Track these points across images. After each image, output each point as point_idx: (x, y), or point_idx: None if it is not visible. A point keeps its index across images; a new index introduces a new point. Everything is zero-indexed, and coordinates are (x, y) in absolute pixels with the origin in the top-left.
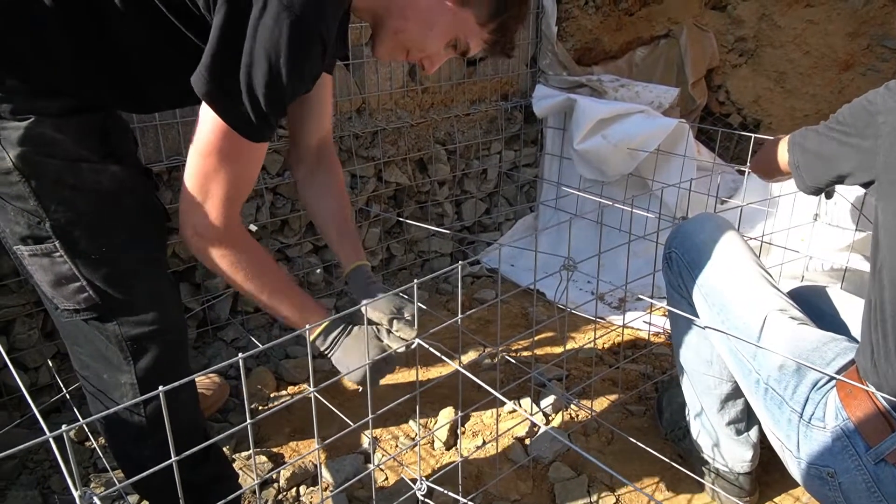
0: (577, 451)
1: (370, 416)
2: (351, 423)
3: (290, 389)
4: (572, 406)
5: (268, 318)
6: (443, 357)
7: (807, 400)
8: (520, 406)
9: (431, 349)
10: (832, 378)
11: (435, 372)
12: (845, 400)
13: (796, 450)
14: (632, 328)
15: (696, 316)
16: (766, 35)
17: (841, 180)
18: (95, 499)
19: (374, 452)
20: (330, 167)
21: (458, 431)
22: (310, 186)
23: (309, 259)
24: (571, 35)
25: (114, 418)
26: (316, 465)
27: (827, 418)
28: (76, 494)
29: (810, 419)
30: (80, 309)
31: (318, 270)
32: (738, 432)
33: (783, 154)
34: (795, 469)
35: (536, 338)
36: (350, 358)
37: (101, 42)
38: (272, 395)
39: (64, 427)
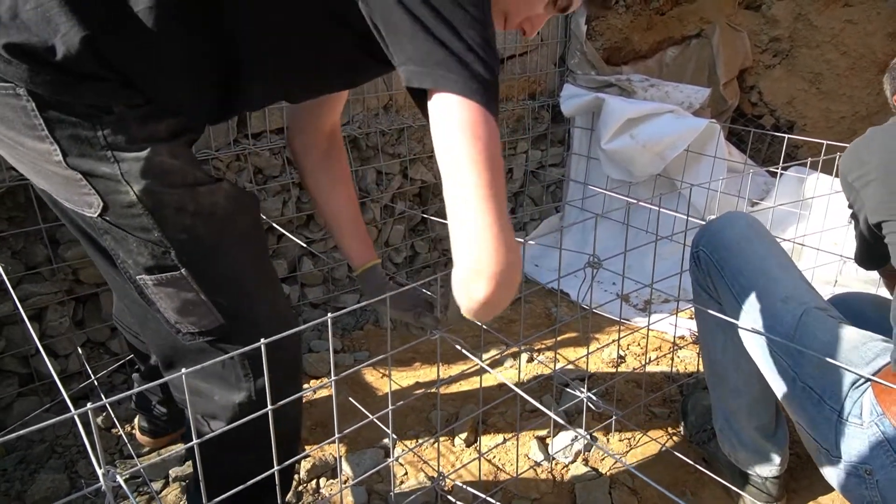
0: (598, 453)
1: (390, 407)
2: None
3: (313, 383)
4: (594, 406)
5: None
6: (465, 352)
7: (846, 398)
8: (541, 405)
9: (455, 344)
10: (869, 380)
11: (457, 369)
12: (880, 396)
13: (834, 448)
14: (657, 330)
15: (725, 316)
16: (802, 35)
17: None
18: (119, 477)
19: (393, 447)
20: (340, 155)
21: (479, 429)
22: (321, 174)
23: (334, 254)
24: (601, 34)
25: (220, 435)
26: (336, 458)
27: (864, 415)
28: (100, 472)
29: (848, 417)
30: (205, 331)
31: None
32: (767, 437)
33: None
34: (831, 470)
35: (560, 338)
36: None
37: (213, 39)
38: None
39: (89, 405)
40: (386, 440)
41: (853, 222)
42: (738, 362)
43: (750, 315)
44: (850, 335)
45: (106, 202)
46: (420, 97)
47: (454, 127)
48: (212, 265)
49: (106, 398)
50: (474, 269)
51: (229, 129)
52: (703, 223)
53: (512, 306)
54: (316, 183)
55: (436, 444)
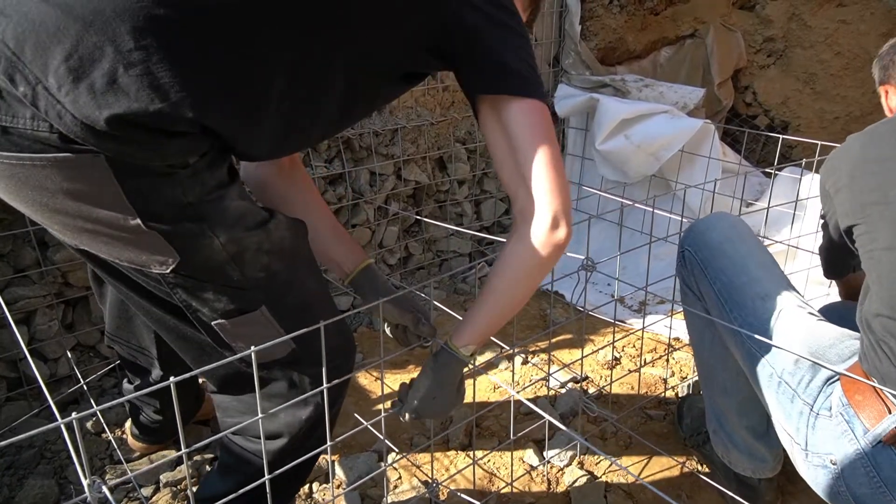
0: (593, 456)
1: (383, 414)
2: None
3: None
4: (589, 410)
5: None
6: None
7: (819, 393)
8: (536, 408)
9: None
10: (840, 374)
11: None
12: (846, 388)
13: (804, 443)
14: (652, 332)
15: (710, 315)
16: (796, 35)
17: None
18: (104, 488)
19: (385, 453)
20: (299, 166)
21: (473, 432)
22: (289, 193)
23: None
24: (595, 34)
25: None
26: (329, 462)
27: (832, 407)
28: (85, 483)
29: (819, 410)
30: (278, 360)
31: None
32: (758, 437)
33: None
34: (804, 465)
35: (554, 340)
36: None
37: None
38: None
39: (74, 415)
40: (388, 443)
41: (822, 232)
42: (725, 360)
43: (731, 313)
44: (827, 332)
45: (184, 257)
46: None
47: (538, 121)
48: (288, 298)
49: (96, 402)
50: (561, 211)
51: None
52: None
53: None
54: (288, 205)
55: (430, 449)
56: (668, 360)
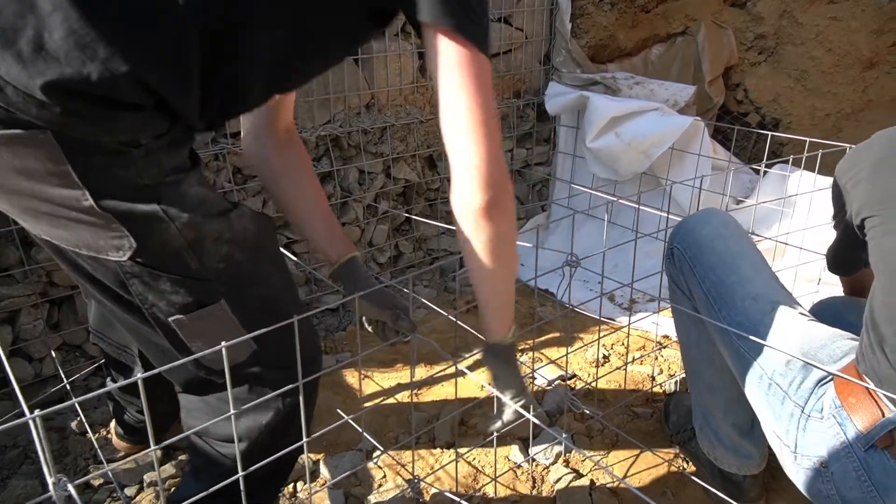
0: (579, 454)
1: (361, 411)
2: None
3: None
4: (574, 407)
5: None
6: (440, 353)
7: (811, 394)
8: (521, 409)
9: (428, 345)
10: (833, 375)
11: (438, 370)
12: (840, 389)
13: (794, 445)
14: (641, 329)
15: (699, 313)
16: (787, 32)
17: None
18: (70, 486)
19: (367, 451)
20: (300, 151)
21: (457, 430)
22: (285, 174)
23: (316, 255)
24: (586, 32)
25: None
26: (314, 461)
27: (824, 409)
28: (50, 482)
29: (810, 412)
30: (241, 364)
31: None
32: (744, 434)
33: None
34: (792, 466)
35: (543, 338)
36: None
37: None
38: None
39: (36, 413)
40: (373, 441)
41: (835, 231)
42: (712, 358)
43: (720, 312)
44: (819, 333)
45: (140, 243)
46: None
47: (465, 64)
48: (250, 292)
49: (79, 404)
50: (476, 174)
51: None
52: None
53: None
54: (281, 186)
55: (412, 446)
56: (656, 358)
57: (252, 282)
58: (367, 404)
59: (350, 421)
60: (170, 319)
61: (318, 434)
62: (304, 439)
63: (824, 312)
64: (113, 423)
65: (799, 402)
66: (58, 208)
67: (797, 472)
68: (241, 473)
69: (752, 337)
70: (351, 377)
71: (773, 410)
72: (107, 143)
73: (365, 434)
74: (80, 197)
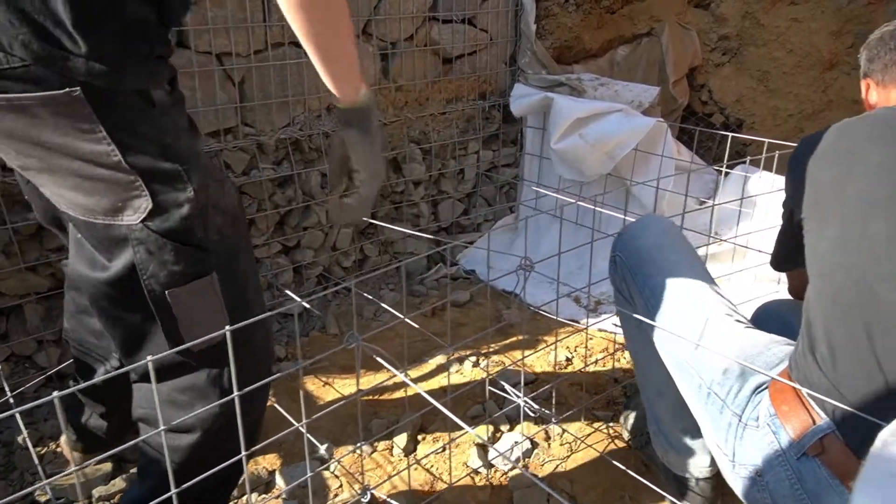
0: (538, 458)
1: (303, 421)
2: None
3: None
4: (531, 411)
5: None
6: (385, 365)
7: (747, 403)
8: (483, 411)
9: (374, 354)
10: (770, 378)
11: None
12: (774, 397)
13: (732, 454)
14: (605, 331)
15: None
16: (750, 33)
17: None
18: None
19: (320, 460)
20: None
21: (418, 437)
22: None
23: (278, 260)
24: (551, 33)
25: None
26: (269, 471)
27: (760, 418)
28: None
29: (747, 421)
30: (208, 349)
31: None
32: (694, 438)
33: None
34: (731, 475)
35: (507, 341)
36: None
37: None
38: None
39: None
40: (323, 451)
41: (783, 220)
42: (658, 364)
43: (660, 321)
44: (755, 340)
45: (156, 203)
46: None
47: None
48: (233, 268)
49: (30, 413)
50: None
51: None
52: (625, 227)
53: (461, 309)
54: None
55: (373, 454)
56: (619, 360)
57: (234, 257)
58: (325, 412)
59: (301, 428)
60: (167, 292)
61: (270, 441)
62: (243, 452)
63: (770, 316)
64: (63, 438)
65: (736, 410)
66: (85, 165)
67: (735, 481)
68: (177, 476)
69: (690, 345)
70: (311, 384)
71: (713, 419)
72: (128, 96)
73: (313, 440)
74: (109, 152)
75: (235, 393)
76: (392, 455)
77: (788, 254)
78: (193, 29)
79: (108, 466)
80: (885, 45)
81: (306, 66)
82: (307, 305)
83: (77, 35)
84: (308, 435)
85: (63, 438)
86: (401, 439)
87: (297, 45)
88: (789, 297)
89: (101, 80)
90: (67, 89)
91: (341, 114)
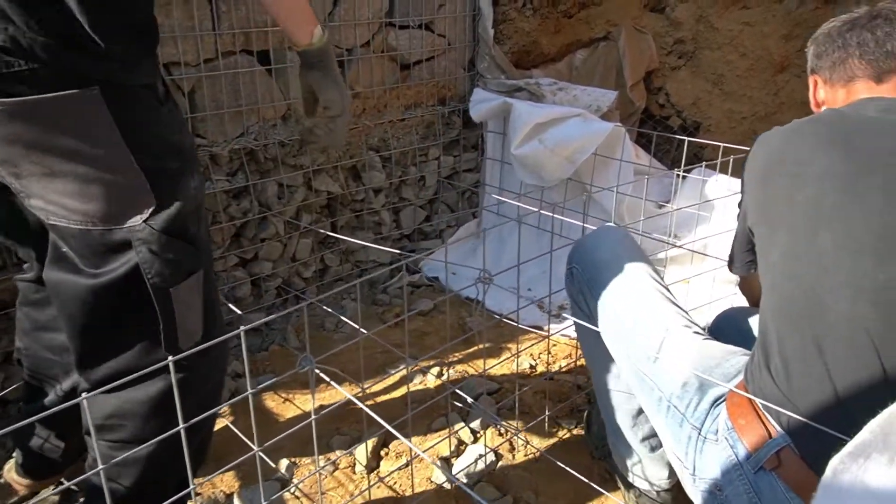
0: (502, 470)
1: (257, 448)
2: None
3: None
4: (493, 423)
5: None
6: (337, 386)
7: (706, 416)
8: (448, 424)
9: (326, 376)
10: (727, 390)
11: (345, 395)
12: (731, 410)
13: (692, 467)
14: (568, 337)
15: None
16: (704, 37)
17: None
18: None
19: (281, 481)
20: None
21: (381, 452)
22: None
23: (234, 273)
24: (509, 38)
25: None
26: (227, 494)
27: (719, 431)
28: None
29: (706, 434)
30: (195, 343)
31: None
32: (653, 448)
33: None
34: (691, 489)
35: (470, 349)
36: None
37: None
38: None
39: None
40: (283, 471)
41: (738, 221)
42: (617, 377)
43: (618, 335)
44: (713, 352)
45: (160, 201)
46: None
47: None
48: (211, 268)
49: None
50: None
51: None
52: (585, 236)
53: (424, 318)
54: None
55: (335, 472)
56: (582, 366)
57: (209, 257)
58: (281, 436)
59: (257, 454)
60: (171, 290)
61: (227, 468)
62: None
63: (728, 324)
64: (11, 463)
65: (696, 424)
66: (91, 170)
67: (696, 494)
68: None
69: (650, 358)
70: (271, 401)
71: (673, 433)
72: (137, 92)
73: (270, 463)
74: (122, 154)
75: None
76: (354, 472)
77: (744, 256)
78: None
79: (54, 498)
80: (833, 42)
81: (259, 74)
82: (245, 328)
83: (94, 34)
84: (265, 458)
85: (8, 465)
86: (362, 456)
87: (250, 53)
88: (736, 308)
89: (117, 76)
90: (85, 88)
91: (303, 56)
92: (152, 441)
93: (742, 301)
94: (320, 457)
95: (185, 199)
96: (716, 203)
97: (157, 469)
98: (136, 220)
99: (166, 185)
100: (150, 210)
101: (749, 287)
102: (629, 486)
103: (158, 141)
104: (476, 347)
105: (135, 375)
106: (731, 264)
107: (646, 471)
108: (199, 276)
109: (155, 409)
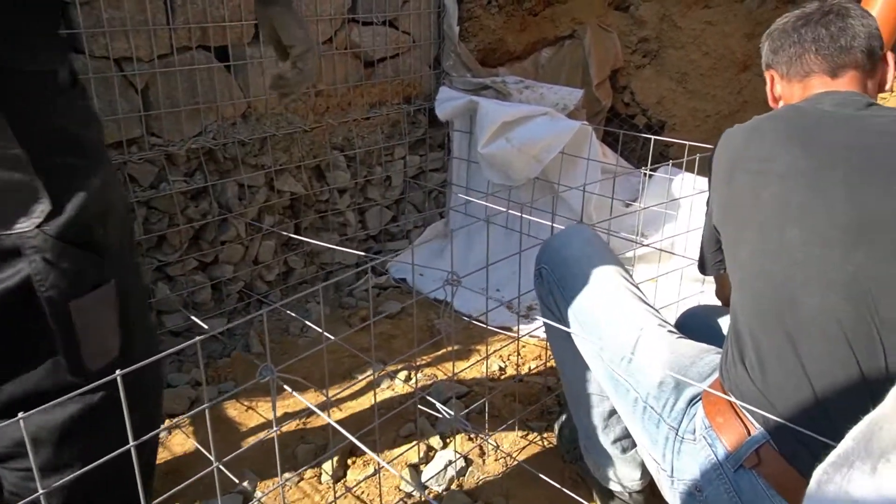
0: (473, 476)
1: (214, 464)
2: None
3: (167, 423)
4: (462, 428)
5: None
6: (300, 397)
7: (683, 415)
8: (417, 430)
9: (286, 385)
10: (702, 390)
11: (331, 392)
12: (708, 409)
13: (670, 469)
14: (538, 337)
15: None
16: (668, 36)
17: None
18: None
19: (243, 494)
20: None
21: (348, 461)
22: None
23: (194, 277)
24: (474, 35)
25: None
26: None
27: (696, 430)
28: None
29: (684, 434)
30: (109, 365)
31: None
32: (625, 450)
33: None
34: (670, 491)
35: (439, 352)
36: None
37: None
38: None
39: None
40: (246, 483)
41: (706, 219)
42: (589, 379)
43: (589, 335)
44: (687, 351)
45: (57, 203)
46: None
47: None
48: (123, 278)
49: None
50: None
51: None
52: (555, 236)
53: (392, 320)
54: None
55: (300, 483)
56: (551, 368)
57: (125, 266)
58: (250, 438)
59: (216, 468)
60: (70, 304)
61: (186, 483)
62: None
63: (696, 321)
64: None
65: (673, 424)
66: None
67: (675, 497)
68: None
69: (624, 359)
70: (233, 410)
71: (650, 435)
72: (36, 79)
73: (231, 476)
74: (9, 150)
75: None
76: (320, 483)
77: (714, 256)
78: (87, 31)
79: None
80: (789, 37)
81: (217, 71)
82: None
83: None
84: (226, 471)
85: None
86: (328, 466)
87: (207, 49)
88: (713, 299)
89: (12, 60)
90: None
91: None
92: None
93: (710, 299)
94: (285, 467)
95: (88, 200)
96: (682, 201)
97: (86, 498)
98: (28, 226)
99: (64, 185)
100: (45, 213)
101: (722, 288)
102: (601, 488)
103: (56, 134)
104: (445, 350)
105: (57, 402)
106: (702, 267)
107: (618, 472)
108: (108, 288)
109: (68, 434)
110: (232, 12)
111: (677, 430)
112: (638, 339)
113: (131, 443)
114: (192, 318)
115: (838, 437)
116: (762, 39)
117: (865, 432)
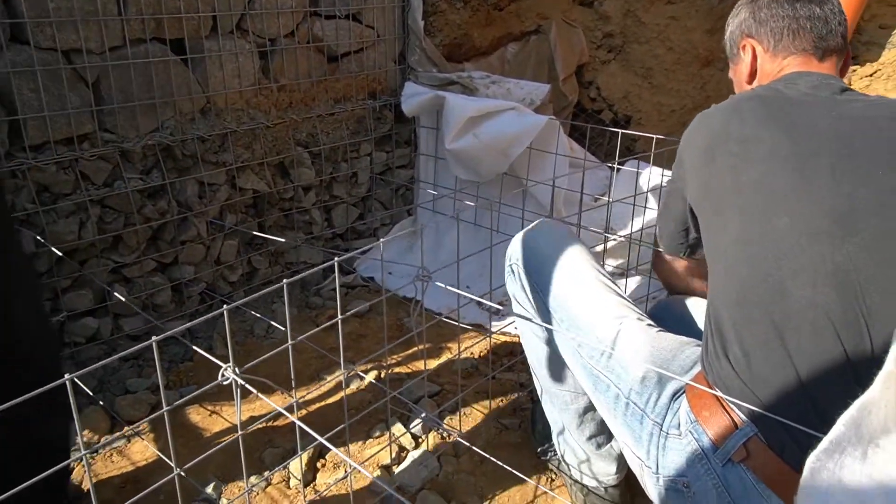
0: (446, 476)
1: (176, 469)
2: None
3: (127, 430)
4: (435, 428)
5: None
6: (279, 386)
7: (667, 410)
8: (388, 430)
9: (249, 386)
10: (687, 384)
11: (299, 395)
12: (693, 403)
13: (656, 466)
14: (509, 334)
15: (543, 329)
16: (632, 31)
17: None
18: None
19: (207, 502)
20: None
21: (318, 464)
22: None
23: (152, 279)
24: (440, 30)
25: None
26: None
27: (681, 425)
28: None
29: (668, 430)
30: None
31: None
32: (600, 446)
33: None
34: (654, 488)
35: (410, 351)
36: None
37: None
38: (102, 440)
39: None
40: (211, 489)
41: (666, 198)
42: (563, 376)
43: (568, 332)
44: (667, 344)
45: None
46: None
47: None
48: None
49: None
50: None
51: None
52: (524, 232)
53: (360, 320)
54: None
55: (268, 489)
56: (522, 364)
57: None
58: (204, 455)
59: (177, 475)
60: None
61: (146, 492)
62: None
63: (668, 313)
64: None
65: (657, 419)
66: None
67: (659, 494)
68: None
69: (604, 354)
70: (196, 415)
71: (633, 432)
72: None
73: (195, 484)
74: None
75: None
76: (289, 487)
77: (678, 237)
78: (31, 21)
79: None
80: (781, 7)
81: (173, 65)
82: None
83: None
84: (189, 478)
85: None
86: (297, 469)
87: (162, 41)
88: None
89: None
90: None
91: None
92: None
93: None
94: (252, 472)
95: None
96: (650, 195)
97: None
98: None
99: None
100: None
101: (668, 268)
102: (577, 484)
103: None
104: (415, 349)
105: None
106: (659, 240)
107: (593, 468)
108: None
109: None
110: (188, 3)
111: (661, 426)
112: (618, 334)
113: None
114: (151, 320)
115: (827, 428)
116: (739, 5)
117: (856, 417)
